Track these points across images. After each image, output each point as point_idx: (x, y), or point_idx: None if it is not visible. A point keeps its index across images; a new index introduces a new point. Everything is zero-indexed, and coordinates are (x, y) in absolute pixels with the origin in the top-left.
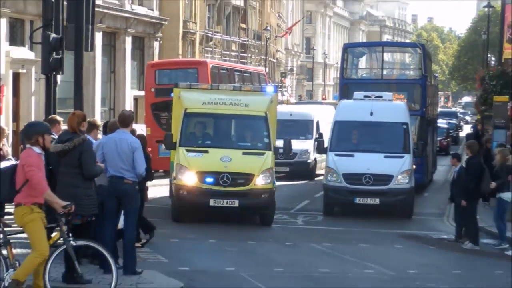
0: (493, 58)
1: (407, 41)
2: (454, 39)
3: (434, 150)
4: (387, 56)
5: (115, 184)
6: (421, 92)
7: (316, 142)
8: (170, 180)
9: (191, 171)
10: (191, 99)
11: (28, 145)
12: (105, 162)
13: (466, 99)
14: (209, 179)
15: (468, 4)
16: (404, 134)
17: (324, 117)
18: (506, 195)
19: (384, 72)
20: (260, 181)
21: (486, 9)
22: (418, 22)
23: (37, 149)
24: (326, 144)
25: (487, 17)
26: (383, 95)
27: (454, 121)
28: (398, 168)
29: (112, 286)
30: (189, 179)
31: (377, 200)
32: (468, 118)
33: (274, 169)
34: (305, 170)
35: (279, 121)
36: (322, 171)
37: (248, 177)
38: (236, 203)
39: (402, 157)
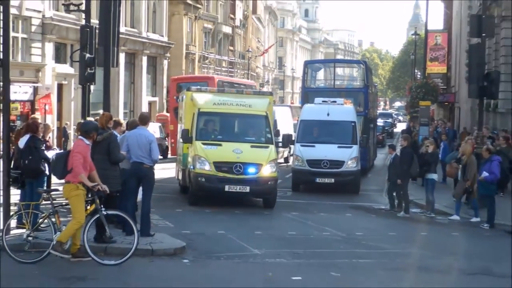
0: (418, 73)
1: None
2: (390, 58)
3: (374, 142)
4: (338, 70)
5: (136, 168)
6: (364, 98)
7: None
8: (185, 168)
9: (209, 161)
10: (203, 100)
11: (80, 137)
12: (129, 151)
13: (398, 103)
14: (224, 168)
15: (400, 32)
16: (353, 130)
17: (280, 116)
18: (433, 176)
19: (336, 82)
20: (267, 170)
21: (413, 36)
22: (363, 46)
23: (86, 141)
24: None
25: (414, 42)
26: (337, 100)
27: (389, 120)
28: (348, 156)
29: (134, 244)
30: (207, 168)
31: (333, 180)
32: (400, 118)
33: (277, 160)
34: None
35: None
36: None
37: (257, 167)
38: (247, 189)
39: (351, 147)
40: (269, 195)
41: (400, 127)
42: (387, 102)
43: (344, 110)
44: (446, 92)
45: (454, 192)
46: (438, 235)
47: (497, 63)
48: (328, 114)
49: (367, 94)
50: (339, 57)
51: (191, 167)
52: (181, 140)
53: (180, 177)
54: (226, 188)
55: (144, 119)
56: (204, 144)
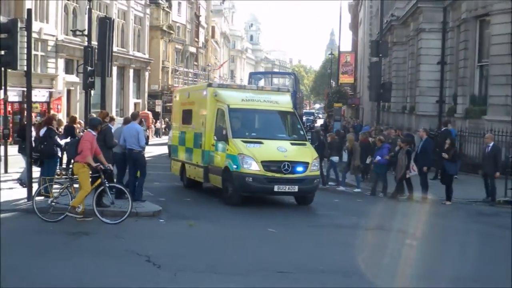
0: (333, 83)
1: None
2: (312, 72)
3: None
4: (274, 80)
5: (129, 153)
6: (293, 100)
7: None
8: (206, 164)
9: (257, 160)
10: (230, 97)
11: (88, 129)
12: (125, 140)
13: (318, 105)
14: (273, 168)
15: (320, 52)
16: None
17: None
18: (334, 158)
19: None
20: (313, 168)
21: (330, 56)
22: (293, 62)
23: (93, 132)
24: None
25: (330, 60)
26: None
27: (311, 117)
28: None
29: (129, 208)
30: (255, 168)
31: (296, 188)
32: (320, 115)
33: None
34: None
35: None
36: None
37: (305, 165)
38: (296, 188)
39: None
40: (312, 194)
41: (319, 122)
42: (310, 104)
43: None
44: (354, 97)
45: (351, 171)
46: (347, 201)
47: (390, 76)
48: None
49: (296, 97)
50: (275, 70)
51: (234, 166)
52: (215, 138)
53: (189, 174)
54: (276, 188)
55: (134, 116)
56: (244, 142)
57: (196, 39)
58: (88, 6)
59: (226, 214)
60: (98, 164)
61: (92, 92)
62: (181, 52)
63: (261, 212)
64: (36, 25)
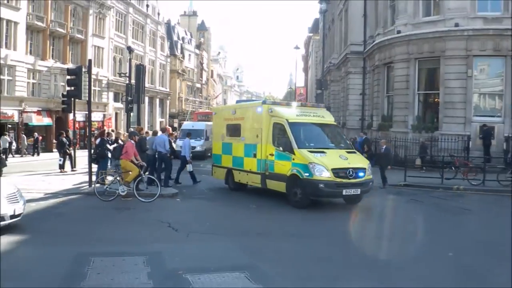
0: None
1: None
2: (278, 100)
3: None
4: None
5: (159, 154)
6: None
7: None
8: (262, 172)
9: (327, 168)
10: (286, 112)
11: (129, 139)
12: (156, 146)
13: None
14: (342, 174)
15: (284, 86)
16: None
17: (210, 128)
18: None
19: None
20: (369, 173)
21: (289, 89)
22: (265, 93)
23: (132, 141)
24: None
25: (290, 92)
26: None
27: None
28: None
29: (158, 192)
30: (326, 175)
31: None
32: None
33: None
34: (202, 156)
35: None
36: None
37: (364, 170)
38: (358, 191)
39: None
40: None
41: None
42: None
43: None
44: None
45: None
46: None
47: (329, 102)
48: None
49: None
50: (253, 98)
51: (306, 174)
52: (280, 149)
53: (238, 179)
54: (344, 192)
55: (163, 130)
56: (310, 152)
57: (201, 78)
58: (129, 57)
59: (223, 196)
60: (138, 161)
61: (131, 114)
62: (190, 87)
63: (248, 195)
64: (94, 70)
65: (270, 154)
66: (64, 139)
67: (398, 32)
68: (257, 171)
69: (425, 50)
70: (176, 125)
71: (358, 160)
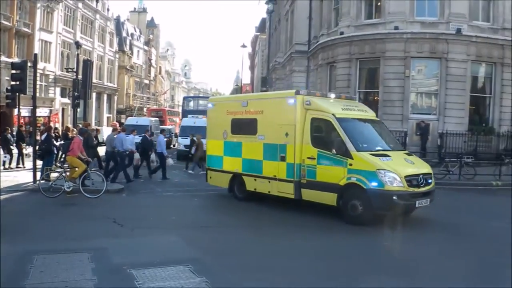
0: None
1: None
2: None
3: None
4: (200, 101)
5: (116, 152)
6: None
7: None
8: (297, 179)
9: (400, 176)
10: (330, 105)
11: (78, 135)
12: (116, 143)
13: None
14: (414, 182)
15: (230, 83)
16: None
17: (154, 124)
18: None
19: (199, 108)
20: (433, 178)
21: (236, 86)
22: (212, 90)
23: (80, 137)
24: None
25: (236, 89)
26: (199, 116)
27: None
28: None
29: (104, 188)
30: (399, 184)
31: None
32: None
33: None
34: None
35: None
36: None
37: (431, 176)
38: (428, 201)
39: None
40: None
41: None
42: None
43: (204, 121)
44: None
45: None
46: None
47: None
48: (194, 123)
49: None
50: (200, 95)
51: (374, 184)
52: (332, 151)
53: (254, 187)
54: (417, 204)
55: (123, 129)
56: (372, 155)
57: (149, 74)
58: (77, 52)
59: (168, 188)
60: (84, 157)
61: (78, 110)
62: (138, 83)
63: (191, 190)
64: (41, 64)
65: (309, 158)
66: (9, 136)
67: (341, 33)
68: (287, 178)
69: (366, 51)
70: (123, 120)
71: (422, 165)
